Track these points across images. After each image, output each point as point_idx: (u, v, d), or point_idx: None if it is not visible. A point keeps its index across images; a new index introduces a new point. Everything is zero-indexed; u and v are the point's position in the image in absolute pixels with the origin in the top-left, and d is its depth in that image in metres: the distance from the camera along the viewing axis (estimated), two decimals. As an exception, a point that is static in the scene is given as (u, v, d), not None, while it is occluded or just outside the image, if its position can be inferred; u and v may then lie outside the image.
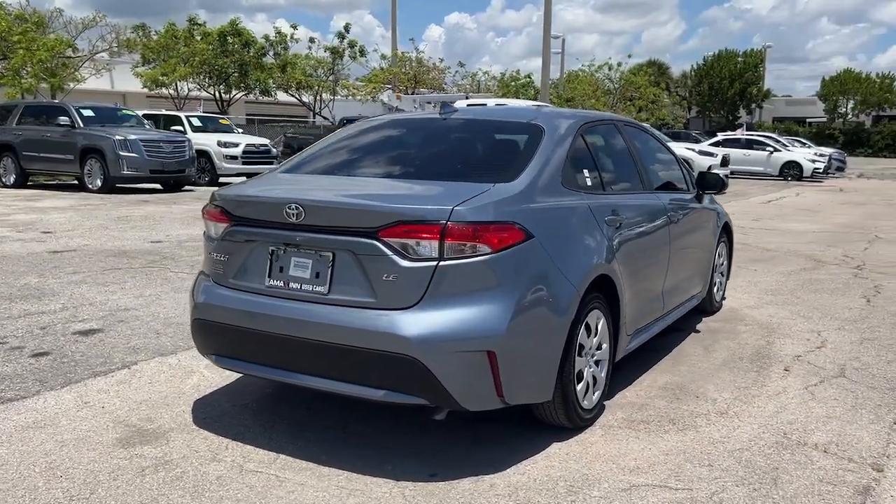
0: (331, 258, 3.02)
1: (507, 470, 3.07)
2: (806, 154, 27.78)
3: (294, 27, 32.17)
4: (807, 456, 3.25)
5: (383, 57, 36.03)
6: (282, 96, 33.79)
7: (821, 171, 27.15)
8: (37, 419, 3.49)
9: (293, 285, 3.10)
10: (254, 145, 18.21)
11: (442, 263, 2.85)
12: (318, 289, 3.03)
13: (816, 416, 3.73)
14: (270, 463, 3.11)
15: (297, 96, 33.93)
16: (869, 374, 4.41)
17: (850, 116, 58.75)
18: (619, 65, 41.61)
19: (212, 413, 3.64)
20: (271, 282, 3.16)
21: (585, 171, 3.81)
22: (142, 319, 5.27)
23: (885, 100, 56.39)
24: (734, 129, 39.02)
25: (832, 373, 4.42)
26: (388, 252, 2.88)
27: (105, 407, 3.67)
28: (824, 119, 58.78)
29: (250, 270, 3.23)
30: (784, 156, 27.05)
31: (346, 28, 33.01)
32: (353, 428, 3.49)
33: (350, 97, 34.58)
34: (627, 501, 2.82)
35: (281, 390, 3.95)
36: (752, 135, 29.79)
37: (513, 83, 40.01)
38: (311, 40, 33.97)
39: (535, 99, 31.21)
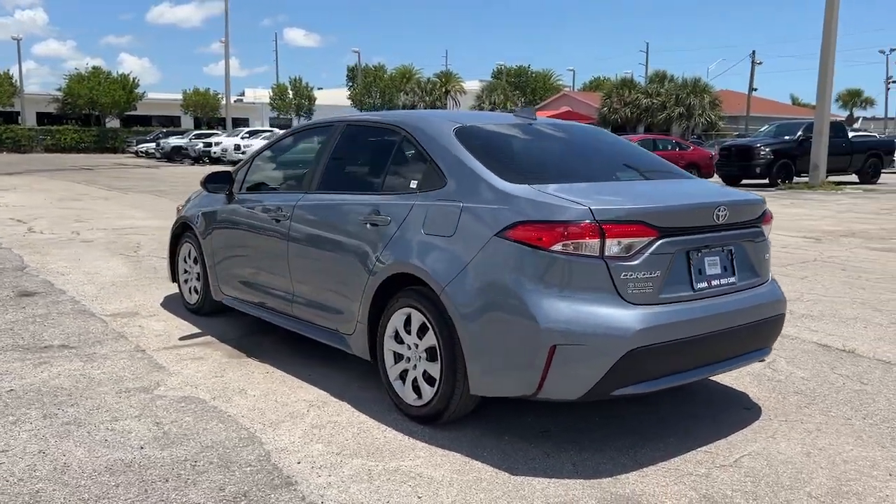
0: (730, 251, 3.51)
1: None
2: None
3: None
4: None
5: None
6: None
7: None
8: None
9: (714, 283, 3.41)
10: None
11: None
12: (731, 280, 3.48)
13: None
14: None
15: None
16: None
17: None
18: None
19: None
20: (699, 285, 3.34)
21: None
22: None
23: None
24: None
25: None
26: (765, 237, 3.71)
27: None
28: None
29: (676, 280, 3.28)
30: None
31: None
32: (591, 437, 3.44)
33: None
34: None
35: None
36: None
37: None
38: None
39: None
